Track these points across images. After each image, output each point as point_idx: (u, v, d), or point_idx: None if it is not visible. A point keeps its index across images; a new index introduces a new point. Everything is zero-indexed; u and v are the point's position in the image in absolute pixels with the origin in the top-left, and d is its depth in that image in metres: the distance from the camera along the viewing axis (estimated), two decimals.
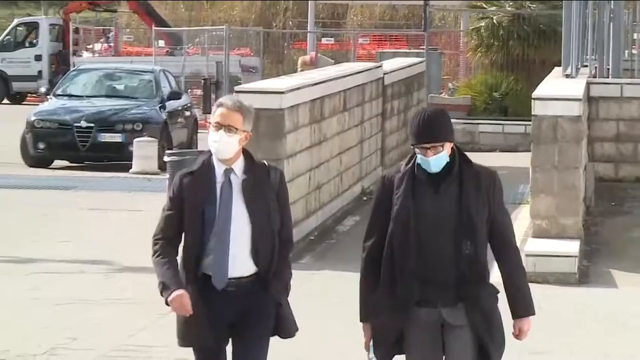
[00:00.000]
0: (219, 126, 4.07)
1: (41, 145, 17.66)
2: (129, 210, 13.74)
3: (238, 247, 4.05)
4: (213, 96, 22.48)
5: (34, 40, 28.95)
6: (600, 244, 11.83)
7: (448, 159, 3.90)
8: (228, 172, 4.11)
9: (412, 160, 3.95)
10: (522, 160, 15.50)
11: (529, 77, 22.36)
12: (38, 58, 28.34)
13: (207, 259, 4.05)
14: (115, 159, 17.64)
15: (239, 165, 4.14)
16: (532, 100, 11.66)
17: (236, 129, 4.06)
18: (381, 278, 3.95)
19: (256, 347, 4.14)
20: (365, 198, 14.61)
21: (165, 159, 12.81)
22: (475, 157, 4.45)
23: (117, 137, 17.67)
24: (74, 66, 24.22)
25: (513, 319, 3.96)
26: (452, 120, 4.59)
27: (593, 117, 13.52)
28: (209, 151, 4.19)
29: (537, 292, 4.81)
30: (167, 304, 4.00)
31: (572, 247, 10.43)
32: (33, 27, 29.60)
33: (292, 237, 4.37)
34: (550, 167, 11.12)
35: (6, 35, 28.97)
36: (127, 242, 10.58)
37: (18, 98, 28.37)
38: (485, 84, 23.80)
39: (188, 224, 4.09)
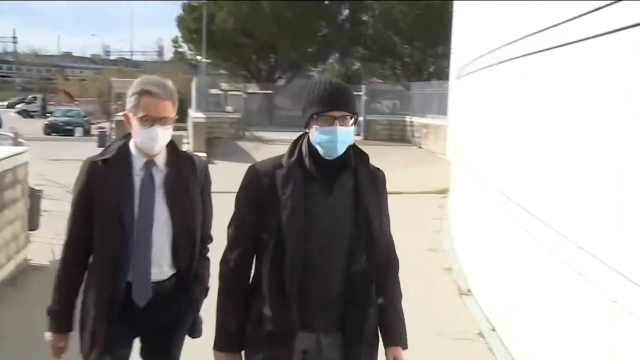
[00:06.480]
0: (151, 120, 2.82)
1: None
2: None
3: (158, 253, 2.88)
4: None
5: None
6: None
7: (352, 141, 2.55)
8: (150, 165, 2.88)
9: (298, 152, 2.56)
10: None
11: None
12: None
13: (125, 270, 2.84)
14: None
15: (161, 156, 2.91)
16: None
17: (169, 118, 2.86)
18: (266, 299, 2.52)
19: (173, 351, 3.12)
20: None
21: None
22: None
23: None
24: None
25: (386, 346, 2.69)
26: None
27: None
28: (124, 137, 2.95)
29: None
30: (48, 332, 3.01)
31: None
32: None
33: (210, 231, 3.16)
34: None
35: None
36: None
37: None
38: None
39: (102, 229, 2.81)
